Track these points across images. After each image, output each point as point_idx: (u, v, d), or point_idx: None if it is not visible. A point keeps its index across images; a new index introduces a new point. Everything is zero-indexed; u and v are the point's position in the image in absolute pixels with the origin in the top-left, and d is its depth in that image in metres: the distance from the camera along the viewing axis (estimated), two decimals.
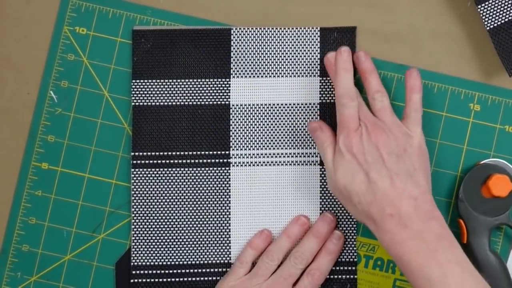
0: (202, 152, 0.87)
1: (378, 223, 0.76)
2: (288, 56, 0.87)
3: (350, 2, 0.87)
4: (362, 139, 0.78)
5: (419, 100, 0.81)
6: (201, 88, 0.87)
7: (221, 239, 0.87)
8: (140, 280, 0.86)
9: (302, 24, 0.87)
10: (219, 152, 0.87)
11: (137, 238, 0.86)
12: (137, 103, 0.87)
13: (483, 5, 0.84)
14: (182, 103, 0.87)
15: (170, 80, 0.87)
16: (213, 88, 0.87)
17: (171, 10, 0.87)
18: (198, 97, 0.87)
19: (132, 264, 0.86)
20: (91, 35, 0.87)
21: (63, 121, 0.87)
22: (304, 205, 0.87)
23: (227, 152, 0.87)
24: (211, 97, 0.87)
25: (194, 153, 0.87)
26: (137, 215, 0.86)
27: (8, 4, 0.88)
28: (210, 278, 0.87)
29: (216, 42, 0.86)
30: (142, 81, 0.87)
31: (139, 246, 0.86)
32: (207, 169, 0.87)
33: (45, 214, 0.87)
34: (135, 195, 0.86)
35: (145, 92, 0.86)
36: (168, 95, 0.87)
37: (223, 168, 0.87)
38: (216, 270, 0.87)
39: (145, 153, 0.87)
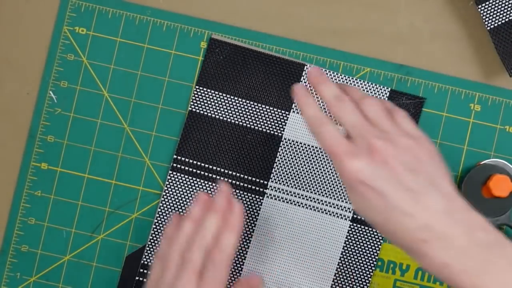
0: (242, 175, 0.87)
1: (412, 249, 0.65)
2: None
3: (350, 2, 0.87)
4: (365, 162, 0.65)
5: (362, 94, 0.71)
6: (259, 113, 0.87)
7: (234, 265, 0.86)
8: (144, 280, 0.86)
9: (301, 24, 0.87)
10: (257, 180, 0.87)
11: (154, 238, 0.86)
12: (193, 109, 0.87)
13: (483, 5, 0.84)
14: (237, 122, 0.86)
15: (232, 97, 0.86)
16: (270, 117, 0.87)
17: (171, 10, 0.87)
18: (254, 121, 0.87)
19: (142, 262, 0.86)
20: (91, 35, 0.87)
21: (62, 121, 0.87)
22: (323, 255, 0.86)
23: (265, 182, 0.87)
24: (266, 124, 0.87)
25: (234, 173, 0.87)
26: (161, 215, 0.86)
27: (8, 4, 0.88)
28: None
29: (287, 73, 0.86)
30: (205, 89, 0.87)
31: (154, 247, 0.86)
32: (241, 192, 0.87)
33: (44, 214, 0.87)
34: (165, 196, 0.87)
35: (205, 101, 0.87)
36: (226, 110, 0.87)
37: (257, 197, 0.87)
38: None
39: (187, 159, 0.87)
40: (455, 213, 0.64)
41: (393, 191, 0.64)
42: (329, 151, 0.67)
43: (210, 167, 0.87)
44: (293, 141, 0.87)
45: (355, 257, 0.86)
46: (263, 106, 0.87)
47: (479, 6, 0.84)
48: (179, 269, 0.73)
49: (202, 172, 0.87)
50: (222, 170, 0.87)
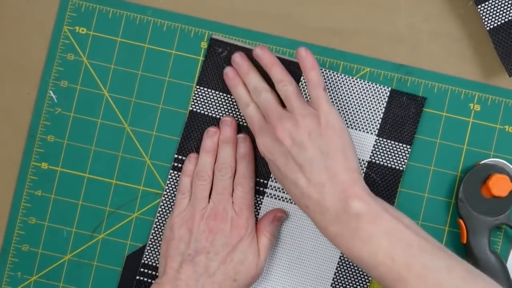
0: None
1: (303, 211, 0.78)
2: (353, 107, 0.86)
3: (350, 2, 0.87)
4: (268, 138, 0.79)
5: (316, 76, 0.79)
6: None
7: None
8: (145, 279, 0.86)
9: (301, 24, 0.87)
10: (257, 179, 0.87)
11: (155, 238, 0.86)
12: (194, 109, 0.87)
13: (483, 5, 0.84)
14: (237, 121, 0.86)
15: (232, 97, 0.86)
16: None
17: (172, 10, 0.87)
18: None
19: (142, 261, 0.87)
20: (91, 35, 0.87)
21: (63, 121, 0.87)
22: (323, 255, 0.86)
23: (265, 182, 0.87)
24: None
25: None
26: (162, 215, 0.87)
27: (8, 4, 0.88)
28: None
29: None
30: (205, 89, 0.86)
31: (155, 247, 0.86)
32: None
33: (45, 214, 0.87)
34: (166, 195, 0.87)
35: (205, 101, 0.86)
36: (226, 110, 0.86)
37: (257, 195, 0.87)
38: None
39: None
40: (330, 187, 0.75)
41: (284, 164, 0.77)
42: (250, 127, 0.82)
43: None
44: None
45: None
46: None
47: (479, 6, 0.84)
48: (214, 196, 0.83)
49: None
50: None
